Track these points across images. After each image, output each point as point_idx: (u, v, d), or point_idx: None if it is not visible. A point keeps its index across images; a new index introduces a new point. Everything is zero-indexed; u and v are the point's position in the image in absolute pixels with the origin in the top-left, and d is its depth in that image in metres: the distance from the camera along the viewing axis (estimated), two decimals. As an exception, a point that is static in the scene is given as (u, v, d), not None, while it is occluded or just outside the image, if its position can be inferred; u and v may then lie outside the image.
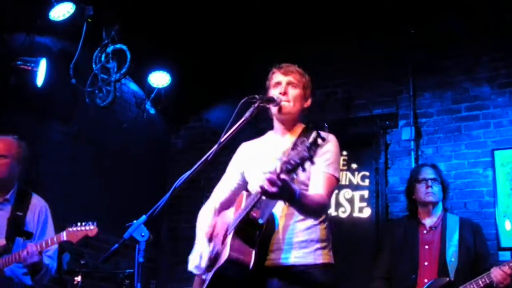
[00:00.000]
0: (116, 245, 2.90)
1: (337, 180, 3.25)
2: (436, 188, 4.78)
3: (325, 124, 2.63)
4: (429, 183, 4.77)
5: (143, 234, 2.76)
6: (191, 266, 3.30)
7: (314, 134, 2.58)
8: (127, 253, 6.22)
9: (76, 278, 5.17)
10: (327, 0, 6.14)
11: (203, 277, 3.33)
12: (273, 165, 3.30)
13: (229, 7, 6.20)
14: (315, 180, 3.16)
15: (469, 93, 6.40)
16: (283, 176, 2.65)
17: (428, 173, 4.85)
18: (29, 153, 4.72)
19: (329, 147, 3.21)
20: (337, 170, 3.25)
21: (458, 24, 6.25)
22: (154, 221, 2.85)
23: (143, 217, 2.80)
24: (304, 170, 2.61)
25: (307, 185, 3.18)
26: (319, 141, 2.55)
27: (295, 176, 2.65)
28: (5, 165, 4.46)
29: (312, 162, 2.58)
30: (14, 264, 4.26)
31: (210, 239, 3.38)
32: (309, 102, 3.45)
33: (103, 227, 4.47)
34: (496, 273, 4.28)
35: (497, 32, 6.20)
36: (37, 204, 4.60)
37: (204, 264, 3.24)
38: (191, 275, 3.44)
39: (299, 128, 3.43)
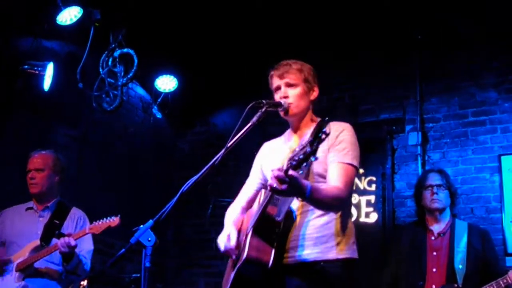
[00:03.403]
0: (123, 249, 2.90)
1: (356, 168, 3.17)
2: (442, 194, 4.76)
3: (326, 118, 2.58)
4: (434, 189, 4.76)
5: (149, 238, 2.75)
6: (222, 246, 3.25)
7: (314, 128, 2.54)
8: (133, 258, 6.31)
9: (82, 283, 5.17)
10: (333, 6, 6.13)
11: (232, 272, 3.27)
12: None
13: (236, 13, 6.20)
14: (331, 171, 3.11)
15: (476, 99, 6.38)
16: (290, 172, 2.61)
17: (434, 179, 4.83)
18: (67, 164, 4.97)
19: (344, 136, 3.22)
20: (355, 158, 3.17)
21: (465, 29, 6.25)
22: (161, 226, 2.84)
23: (150, 222, 2.79)
24: (306, 165, 2.56)
25: (324, 177, 3.13)
26: (323, 136, 2.50)
27: (301, 172, 2.60)
28: (43, 178, 4.71)
29: (315, 158, 2.53)
30: (43, 259, 4.43)
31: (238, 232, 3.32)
32: (315, 92, 3.40)
33: (109, 231, 4.49)
34: None
35: (504, 37, 6.18)
36: (77, 213, 4.82)
37: (233, 242, 3.17)
38: (197, 279, 3.43)
39: (314, 121, 3.39)
